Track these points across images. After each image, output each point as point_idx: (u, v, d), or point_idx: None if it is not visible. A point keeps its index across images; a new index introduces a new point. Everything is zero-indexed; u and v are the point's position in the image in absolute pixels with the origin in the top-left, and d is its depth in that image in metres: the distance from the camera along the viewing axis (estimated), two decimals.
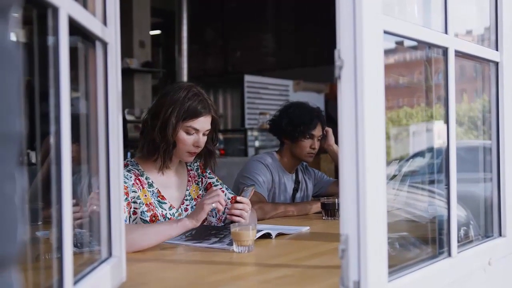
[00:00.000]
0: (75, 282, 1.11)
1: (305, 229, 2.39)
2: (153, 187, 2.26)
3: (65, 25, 1.03)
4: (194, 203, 2.38)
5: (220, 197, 2.04)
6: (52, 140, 1.03)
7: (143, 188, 2.23)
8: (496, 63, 1.83)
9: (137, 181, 2.21)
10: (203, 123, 2.25)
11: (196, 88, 2.28)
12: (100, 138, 1.38)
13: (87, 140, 1.39)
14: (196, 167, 2.47)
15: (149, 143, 2.24)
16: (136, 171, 2.24)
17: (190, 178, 2.42)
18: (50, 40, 1.04)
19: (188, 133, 2.23)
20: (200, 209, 2.02)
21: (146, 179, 2.26)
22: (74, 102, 1.12)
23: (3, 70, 0.57)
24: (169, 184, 2.33)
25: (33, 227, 1.36)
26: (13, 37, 0.61)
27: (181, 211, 2.32)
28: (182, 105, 2.20)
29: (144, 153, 2.27)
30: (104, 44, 1.37)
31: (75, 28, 1.13)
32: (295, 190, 3.18)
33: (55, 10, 1.01)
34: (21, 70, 0.61)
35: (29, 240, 1.14)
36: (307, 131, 3.03)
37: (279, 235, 2.21)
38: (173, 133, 2.20)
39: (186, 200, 2.37)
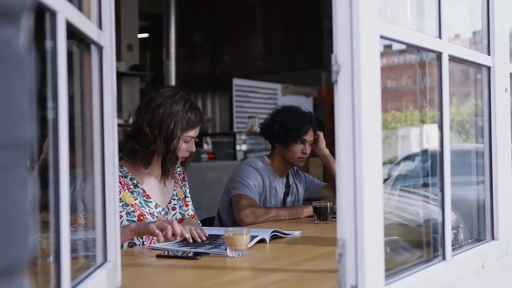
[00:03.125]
0: None
1: (297, 233, 2.39)
2: (139, 187, 2.32)
3: (63, 29, 1.03)
4: (181, 203, 2.48)
5: (168, 230, 2.00)
6: (50, 144, 1.02)
7: (124, 190, 2.28)
8: (488, 68, 1.85)
9: (119, 183, 2.23)
10: (198, 130, 2.39)
11: (188, 97, 2.39)
12: (95, 142, 1.37)
13: (81, 144, 1.38)
14: (178, 172, 2.56)
15: (151, 154, 2.30)
16: (119, 173, 2.26)
17: (176, 180, 2.51)
18: (47, 44, 1.03)
19: (186, 142, 2.34)
20: (146, 228, 2.02)
21: (130, 180, 2.32)
22: (68, 106, 1.11)
23: (15, 76, 0.57)
24: (155, 185, 2.39)
25: None
26: (24, 42, 0.60)
27: (168, 209, 2.41)
28: (183, 118, 2.30)
29: (143, 161, 2.30)
30: (100, 48, 1.36)
31: (71, 32, 1.13)
32: (286, 194, 3.18)
33: (53, 14, 1.00)
34: (33, 76, 0.61)
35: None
36: (299, 136, 3.03)
37: (274, 238, 2.22)
38: (177, 145, 2.30)
39: (174, 199, 2.46)
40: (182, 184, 2.54)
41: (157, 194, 2.38)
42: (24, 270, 0.59)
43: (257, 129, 7.42)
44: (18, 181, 0.58)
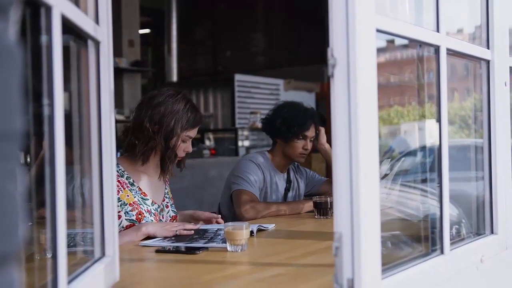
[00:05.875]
0: (69, 282, 1.11)
1: (271, 226, 2.42)
2: (135, 185, 2.35)
3: (58, 24, 1.03)
4: (172, 202, 2.53)
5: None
6: (45, 140, 1.02)
7: (124, 189, 2.30)
8: (487, 61, 1.84)
9: (117, 182, 2.24)
10: (196, 131, 2.42)
11: (189, 98, 2.42)
12: (93, 138, 1.37)
13: (79, 140, 1.39)
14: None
15: (150, 150, 2.33)
16: (116, 169, 2.27)
17: (166, 179, 2.54)
18: (43, 39, 1.03)
19: (183, 141, 2.37)
20: (166, 230, 2.15)
21: (126, 178, 2.34)
22: (66, 102, 1.11)
23: (4, 68, 0.57)
24: (149, 183, 2.42)
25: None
26: (13, 35, 0.61)
27: (163, 206, 2.45)
28: (183, 117, 2.33)
29: (142, 156, 2.32)
30: (97, 43, 1.36)
31: (67, 27, 1.13)
32: (287, 190, 3.18)
33: (48, 8, 1.00)
34: (21, 69, 0.61)
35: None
36: (301, 132, 3.03)
37: (259, 231, 2.27)
38: (176, 143, 2.33)
39: (166, 197, 2.50)
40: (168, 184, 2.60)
41: (152, 192, 2.41)
42: (14, 261, 0.60)
43: (259, 124, 7.42)
44: (7, 173, 0.59)
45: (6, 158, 0.58)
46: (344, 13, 1.18)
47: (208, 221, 2.48)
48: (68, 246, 1.12)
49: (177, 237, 2.12)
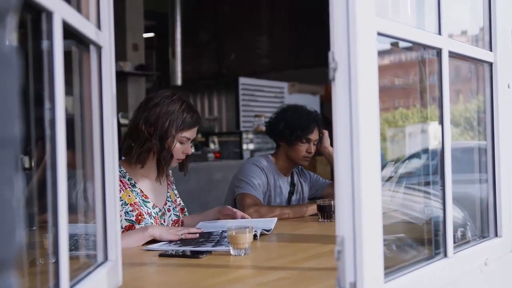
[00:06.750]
0: (71, 286, 1.11)
1: (274, 221, 2.45)
2: (136, 187, 2.35)
3: (59, 29, 1.03)
4: (174, 205, 2.51)
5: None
6: (47, 145, 1.02)
7: (126, 189, 2.31)
8: (490, 64, 1.84)
9: (119, 182, 2.25)
10: (195, 132, 2.41)
11: (186, 99, 2.41)
12: (95, 142, 1.38)
13: (82, 145, 1.39)
14: (170, 174, 2.60)
15: (146, 152, 2.32)
16: (118, 173, 2.29)
17: (169, 182, 2.55)
18: (44, 44, 1.04)
19: (181, 142, 2.36)
20: (171, 234, 2.15)
21: (128, 180, 2.35)
22: (67, 107, 1.11)
23: (2, 74, 0.57)
24: (151, 186, 2.42)
25: (28, 232, 1.35)
26: (11, 41, 0.61)
27: (165, 210, 2.45)
28: (178, 117, 2.32)
29: (140, 160, 2.32)
30: (98, 48, 1.36)
31: (69, 32, 1.13)
32: (291, 193, 3.18)
33: (49, 14, 1.01)
34: (19, 75, 0.62)
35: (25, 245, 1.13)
36: (304, 135, 3.03)
37: (262, 234, 2.26)
38: (171, 143, 2.32)
39: (168, 201, 2.49)
40: (173, 187, 2.59)
41: (154, 195, 2.41)
42: (11, 267, 0.60)
43: (263, 127, 7.42)
44: (5, 178, 0.59)
45: (3, 165, 0.58)
46: (345, 16, 1.18)
47: (231, 216, 2.50)
48: (70, 249, 1.13)
49: (183, 241, 2.12)
